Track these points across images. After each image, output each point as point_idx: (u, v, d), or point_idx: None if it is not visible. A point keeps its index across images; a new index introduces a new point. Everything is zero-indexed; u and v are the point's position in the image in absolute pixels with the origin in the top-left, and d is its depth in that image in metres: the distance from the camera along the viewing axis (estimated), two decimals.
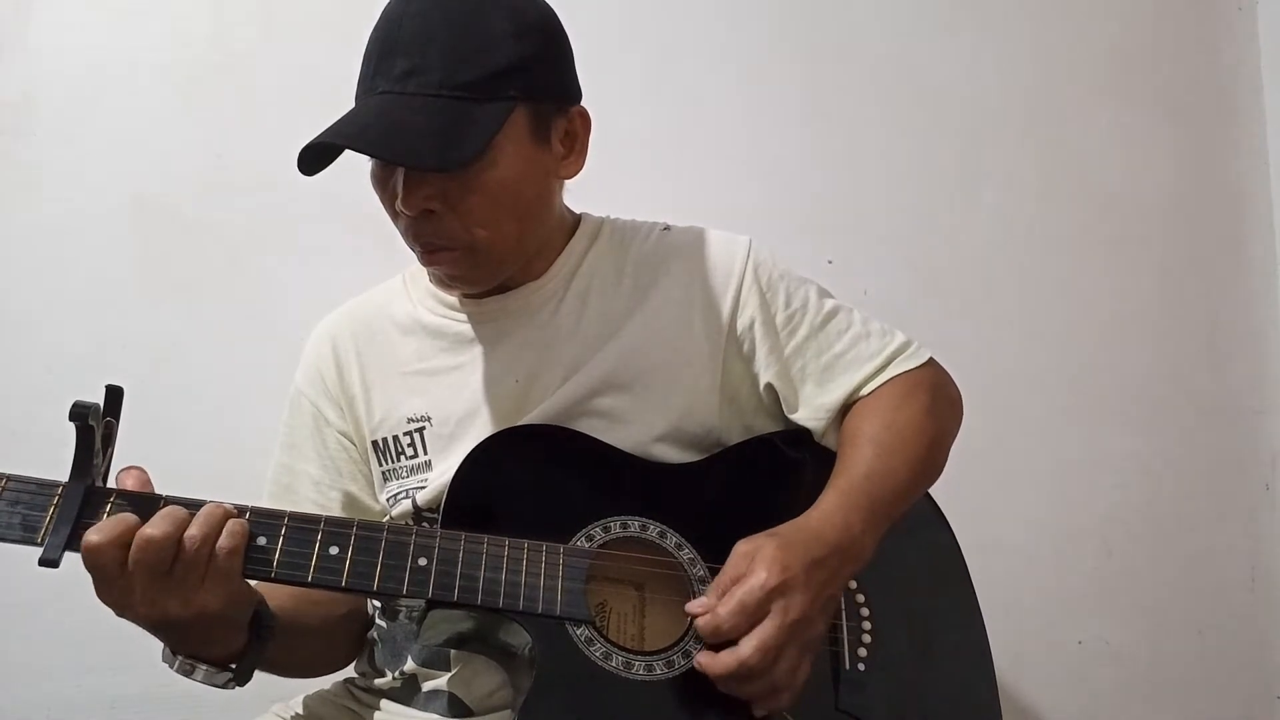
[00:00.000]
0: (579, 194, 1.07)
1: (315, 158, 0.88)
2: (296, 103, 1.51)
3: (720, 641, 0.83)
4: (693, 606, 0.85)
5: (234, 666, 0.83)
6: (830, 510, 0.91)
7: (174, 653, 0.81)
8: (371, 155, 0.90)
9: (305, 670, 1.06)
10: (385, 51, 0.90)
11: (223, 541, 0.76)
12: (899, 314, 1.13)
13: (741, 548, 0.87)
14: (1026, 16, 1.77)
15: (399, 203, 0.91)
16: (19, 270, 1.45)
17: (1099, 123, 1.77)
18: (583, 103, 1.01)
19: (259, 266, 1.51)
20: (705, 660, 0.83)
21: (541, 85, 0.94)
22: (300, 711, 1.04)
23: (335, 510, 1.06)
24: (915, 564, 1.05)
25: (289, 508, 1.02)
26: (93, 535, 0.74)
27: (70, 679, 1.38)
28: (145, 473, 0.81)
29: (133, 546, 0.74)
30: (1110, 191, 1.76)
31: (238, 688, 0.84)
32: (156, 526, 0.75)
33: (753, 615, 0.82)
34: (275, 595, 0.90)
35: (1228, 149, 1.80)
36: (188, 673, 0.81)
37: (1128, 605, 1.68)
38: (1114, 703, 1.66)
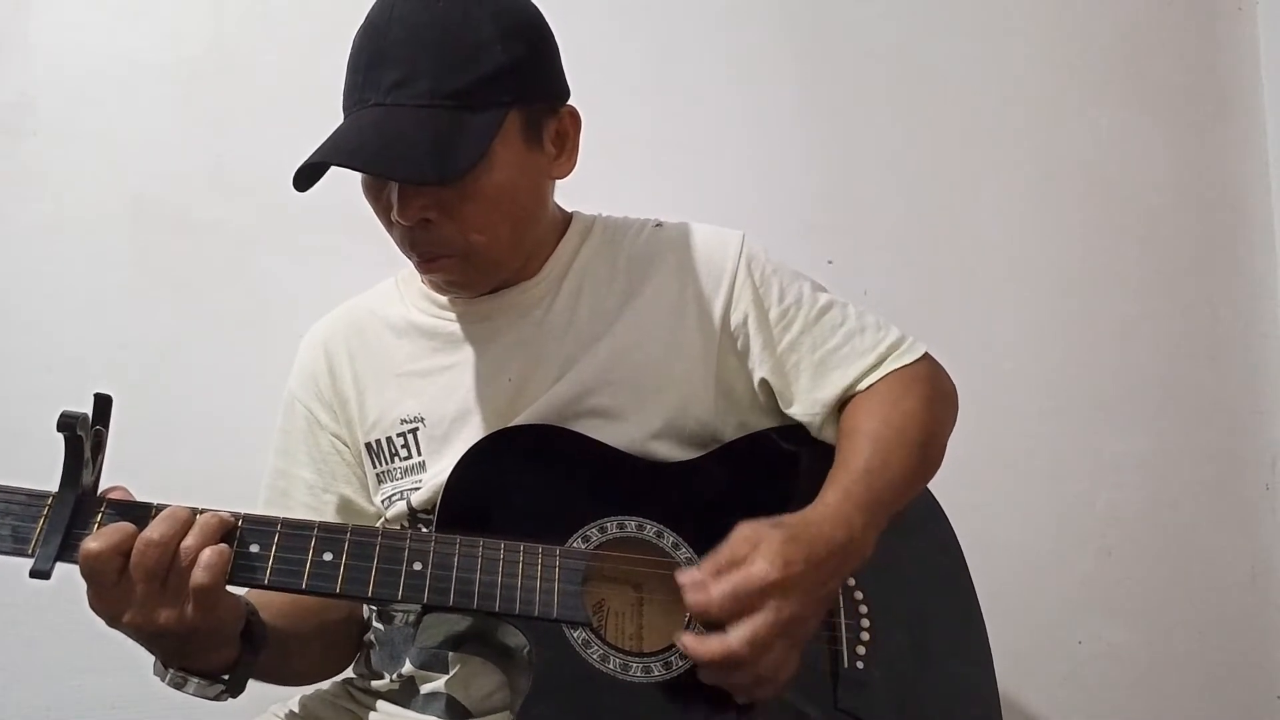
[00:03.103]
0: (579, 194, 1.07)
1: (309, 172, 0.87)
2: (296, 103, 1.51)
3: (708, 623, 0.82)
4: (683, 578, 0.83)
5: (226, 678, 0.83)
6: (832, 507, 0.90)
7: (165, 665, 0.81)
8: (370, 173, 0.90)
9: (301, 678, 1.05)
10: (372, 62, 0.89)
11: (197, 574, 0.75)
12: (899, 314, 1.13)
13: (744, 531, 0.85)
14: (1026, 16, 1.77)
15: (394, 214, 0.91)
16: (18, 270, 1.45)
17: (1099, 123, 1.76)
18: (578, 102, 1.00)
19: (259, 266, 1.51)
20: (691, 643, 0.81)
21: (532, 88, 0.94)
22: (298, 712, 1.04)
23: (330, 514, 1.05)
24: (915, 562, 1.04)
25: (284, 512, 1.02)
26: (92, 543, 0.73)
27: (70, 679, 1.39)
28: (128, 491, 0.81)
29: (134, 550, 0.74)
30: (1110, 191, 1.75)
31: (231, 699, 0.84)
32: (156, 529, 0.75)
33: (746, 605, 0.80)
34: (269, 604, 0.90)
35: (1228, 149, 1.80)
36: (179, 685, 0.81)
37: (1128, 605, 1.68)
38: (1114, 703, 1.65)
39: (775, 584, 0.81)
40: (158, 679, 0.81)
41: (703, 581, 0.82)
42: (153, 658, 0.81)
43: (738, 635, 0.80)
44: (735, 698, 0.85)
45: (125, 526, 0.75)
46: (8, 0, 1.50)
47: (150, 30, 1.53)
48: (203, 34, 1.54)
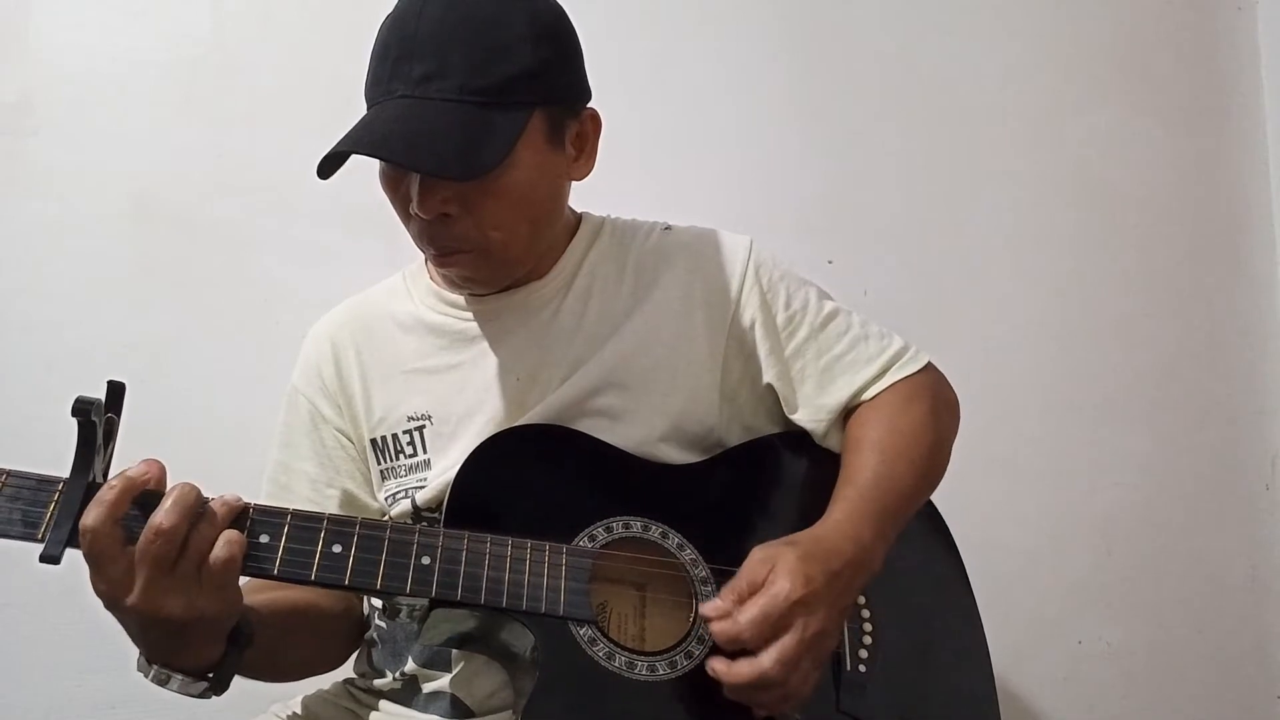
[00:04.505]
0: (580, 194, 1.07)
1: (330, 161, 0.87)
2: (296, 102, 1.51)
3: (736, 649, 0.82)
4: (707, 610, 0.83)
5: (210, 676, 0.81)
6: (842, 521, 0.91)
7: (149, 661, 0.79)
8: (398, 165, 0.90)
9: (296, 673, 1.03)
10: (402, 53, 0.88)
11: (217, 552, 0.75)
12: (899, 314, 1.13)
13: (759, 554, 0.85)
14: (1026, 16, 1.77)
15: (414, 206, 0.91)
16: (19, 270, 1.45)
17: (1099, 123, 1.77)
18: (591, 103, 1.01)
19: (259, 266, 1.51)
20: (722, 668, 0.82)
21: (557, 89, 0.94)
22: (299, 712, 1.03)
23: (333, 509, 1.05)
24: (914, 565, 1.05)
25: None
26: (88, 518, 0.72)
27: (70, 679, 1.38)
28: (162, 465, 0.79)
29: (142, 536, 0.73)
30: (1110, 192, 1.76)
31: (214, 697, 0.82)
32: (166, 516, 0.73)
33: (775, 626, 0.80)
34: (264, 600, 0.89)
35: (1227, 149, 1.80)
36: (163, 682, 0.79)
37: (1128, 605, 1.68)
38: (1114, 703, 1.66)
39: (799, 601, 0.81)
40: (141, 674, 0.79)
41: (727, 610, 0.82)
42: (138, 654, 0.80)
43: (769, 656, 0.80)
44: (757, 713, 0.85)
45: (123, 500, 0.74)
46: (8, 0, 1.50)
47: (150, 30, 1.53)
48: (203, 34, 1.54)
